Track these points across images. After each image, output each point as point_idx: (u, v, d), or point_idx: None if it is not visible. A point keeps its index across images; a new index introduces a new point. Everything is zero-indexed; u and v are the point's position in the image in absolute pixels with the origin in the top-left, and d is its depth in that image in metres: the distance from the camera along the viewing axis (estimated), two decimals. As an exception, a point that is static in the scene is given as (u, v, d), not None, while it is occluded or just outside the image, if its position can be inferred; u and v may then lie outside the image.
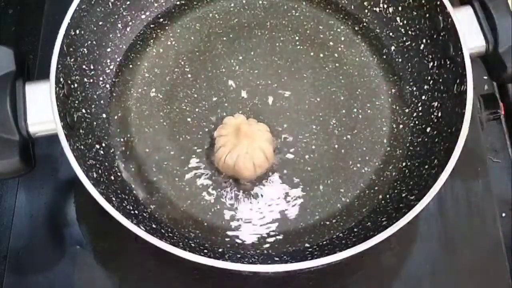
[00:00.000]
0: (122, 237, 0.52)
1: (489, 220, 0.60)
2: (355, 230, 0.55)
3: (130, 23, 0.64)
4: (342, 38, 0.65)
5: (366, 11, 0.65)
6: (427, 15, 0.59)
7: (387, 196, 0.57)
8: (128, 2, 0.63)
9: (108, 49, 0.62)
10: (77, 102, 0.56)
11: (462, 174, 0.61)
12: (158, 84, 0.62)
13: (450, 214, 0.60)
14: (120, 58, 0.63)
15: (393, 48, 0.63)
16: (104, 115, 0.60)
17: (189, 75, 0.63)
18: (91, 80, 0.59)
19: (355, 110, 0.61)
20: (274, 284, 0.57)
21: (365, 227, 0.54)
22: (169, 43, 0.65)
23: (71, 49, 0.55)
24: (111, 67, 0.62)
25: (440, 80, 0.58)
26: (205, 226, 0.56)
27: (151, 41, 0.64)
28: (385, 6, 0.64)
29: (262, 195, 0.57)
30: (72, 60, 0.56)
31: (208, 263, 0.46)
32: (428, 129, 0.58)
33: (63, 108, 0.52)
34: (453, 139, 0.51)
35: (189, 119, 0.60)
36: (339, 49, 0.64)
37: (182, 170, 0.58)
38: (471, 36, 0.55)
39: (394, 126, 0.60)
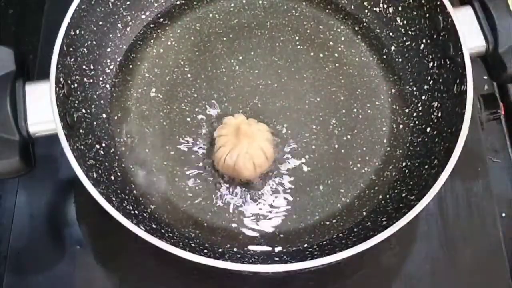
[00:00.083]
0: (122, 237, 0.52)
1: (489, 220, 0.60)
2: (355, 230, 0.55)
3: (130, 23, 0.64)
4: (342, 38, 0.65)
5: (366, 11, 0.65)
6: (427, 15, 0.59)
7: (387, 196, 0.57)
8: (128, 2, 0.63)
9: (108, 49, 0.62)
10: (77, 102, 0.56)
11: (462, 174, 0.61)
12: (158, 84, 0.62)
13: (450, 214, 0.60)
14: (120, 58, 0.63)
15: (393, 48, 0.63)
16: (104, 115, 0.60)
17: (189, 75, 0.63)
18: (91, 80, 0.59)
19: (355, 110, 0.61)
20: (274, 284, 0.57)
21: (365, 227, 0.54)
22: (169, 43, 0.65)
23: (71, 49, 0.55)
24: (111, 67, 0.62)
25: (440, 80, 0.58)
26: (205, 226, 0.56)
27: (151, 41, 0.65)
28: (385, 6, 0.64)
29: (262, 195, 0.57)
30: (72, 60, 0.56)
31: (208, 263, 0.46)
32: (428, 129, 0.58)
33: (63, 108, 0.52)
34: (453, 139, 0.51)
35: (189, 119, 0.60)
36: (339, 49, 0.64)
37: (182, 170, 0.58)
38: (471, 36, 0.55)
39: (394, 126, 0.60)
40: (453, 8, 0.55)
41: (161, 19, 0.66)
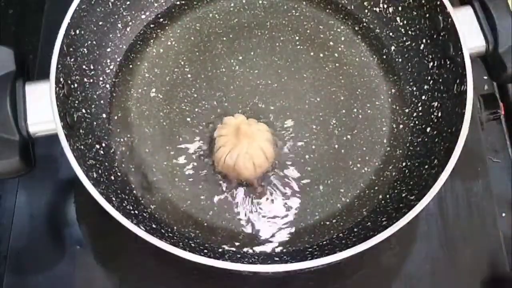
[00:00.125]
0: (122, 237, 0.52)
1: (489, 220, 0.60)
2: (355, 230, 0.55)
3: (130, 23, 0.64)
4: (342, 38, 0.65)
5: (366, 11, 0.65)
6: (427, 15, 0.59)
7: (387, 196, 0.57)
8: (128, 2, 0.63)
9: (108, 49, 0.62)
10: (77, 102, 0.56)
11: (462, 174, 0.61)
12: (158, 84, 0.62)
13: (450, 214, 0.60)
14: (120, 58, 0.63)
15: (393, 48, 0.63)
16: (104, 115, 0.60)
17: (189, 75, 0.63)
18: (91, 80, 0.59)
19: (355, 110, 0.61)
20: (274, 284, 0.57)
21: (365, 227, 0.54)
22: (169, 43, 0.65)
23: (71, 49, 0.55)
24: (111, 67, 0.62)
25: (440, 80, 0.58)
26: (205, 226, 0.56)
27: (151, 41, 0.65)
28: (385, 6, 0.64)
29: (261, 195, 0.57)
30: (72, 60, 0.56)
31: (208, 263, 0.46)
32: (428, 129, 0.58)
33: (63, 108, 0.52)
34: (453, 139, 0.51)
35: (189, 119, 0.60)
36: (339, 49, 0.64)
37: (182, 170, 0.58)
38: (471, 36, 0.55)
39: (394, 126, 0.60)
40: (453, 8, 0.55)
41: (161, 19, 0.66)
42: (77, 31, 0.57)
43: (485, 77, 0.67)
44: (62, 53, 0.53)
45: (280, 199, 0.57)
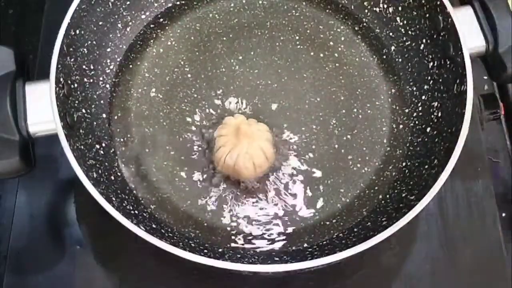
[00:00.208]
0: (122, 237, 0.52)
1: (489, 220, 0.60)
2: (355, 230, 0.55)
3: (130, 23, 0.64)
4: (342, 38, 0.65)
5: (366, 11, 0.65)
6: (427, 15, 0.59)
7: (387, 196, 0.57)
8: (128, 2, 0.63)
9: (108, 49, 0.62)
10: (77, 102, 0.56)
11: (462, 174, 0.61)
12: (158, 84, 0.62)
13: (450, 214, 0.60)
14: (120, 58, 0.63)
15: (393, 48, 0.63)
16: (104, 115, 0.60)
17: (189, 75, 0.63)
18: (91, 80, 0.59)
19: (355, 110, 0.61)
20: (274, 284, 0.57)
21: (365, 227, 0.54)
22: (169, 43, 0.65)
23: (71, 49, 0.55)
24: (111, 67, 0.62)
25: (440, 80, 0.58)
26: (205, 226, 0.56)
27: (151, 41, 0.65)
28: (385, 6, 0.64)
29: (262, 195, 0.57)
30: (72, 60, 0.56)
31: (208, 263, 0.46)
32: (428, 129, 0.58)
33: (63, 108, 0.52)
34: (453, 139, 0.51)
35: (189, 119, 0.60)
36: (339, 49, 0.64)
37: (182, 170, 0.58)
38: (471, 36, 0.55)
39: (394, 126, 0.60)
40: (453, 8, 0.55)
41: (161, 19, 0.66)
42: (77, 31, 0.57)
43: (485, 77, 0.67)
44: (62, 53, 0.53)
45: (280, 199, 0.57)
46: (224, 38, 0.65)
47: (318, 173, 0.58)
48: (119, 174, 0.57)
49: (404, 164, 0.58)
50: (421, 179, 0.54)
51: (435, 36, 0.58)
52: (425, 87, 0.60)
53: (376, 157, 0.59)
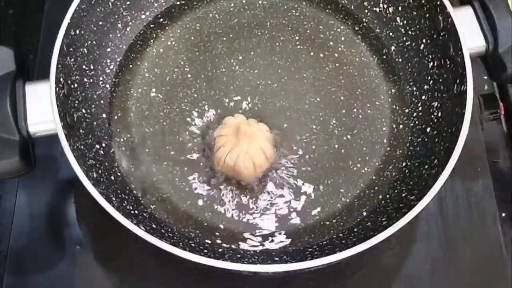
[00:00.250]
0: (122, 237, 0.52)
1: (489, 220, 0.60)
2: (355, 230, 0.55)
3: (130, 23, 0.64)
4: (342, 38, 0.65)
5: (366, 11, 0.65)
6: (427, 15, 0.59)
7: (387, 196, 0.57)
8: (128, 2, 0.63)
9: (108, 49, 0.62)
10: (77, 102, 0.56)
11: (462, 174, 0.61)
12: (158, 84, 0.62)
13: (450, 214, 0.60)
14: (120, 58, 0.63)
15: (393, 48, 0.63)
16: (104, 115, 0.60)
17: (189, 75, 0.63)
18: (91, 80, 0.59)
19: (355, 110, 0.61)
20: (274, 284, 0.57)
21: (365, 227, 0.54)
22: (169, 43, 0.65)
23: (71, 49, 0.55)
24: (111, 67, 0.62)
25: (440, 80, 0.58)
26: (205, 226, 0.56)
27: (151, 41, 0.65)
28: (385, 6, 0.64)
29: (261, 195, 0.57)
30: (72, 60, 0.56)
31: (208, 263, 0.46)
32: (428, 129, 0.58)
33: (63, 108, 0.52)
34: (453, 139, 0.51)
35: (189, 119, 0.60)
36: (339, 49, 0.64)
37: (182, 170, 0.58)
38: (471, 36, 0.55)
39: (394, 126, 0.60)
40: (453, 8, 0.55)
41: (161, 19, 0.66)
42: (77, 31, 0.57)
43: (485, 77, 0.67)
44: (62, 53, 0.53)
45: (280, 199, 0.57)
46: (224, 38, 0.65)
47: (318, 173, 0.58)
48: (119, 174, 0.57)
49: (404, 164, 0.58)
50: (421, 179, 0.54)
51: (435, 36, 0.58)
52: (425, 87, 0.60)
53: (376, 157, 0.59)
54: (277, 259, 0.53)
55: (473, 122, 0.61)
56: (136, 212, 0.54)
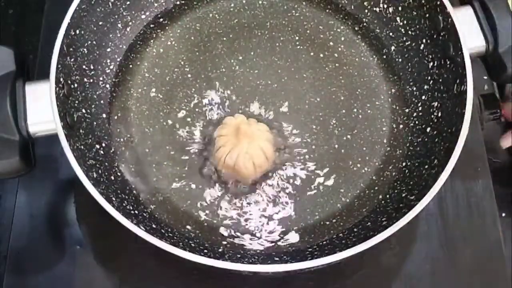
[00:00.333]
0: (122, 237, 0.52)
1: (489, 220, 0.60)
2: (355, 230, 0.55)
3: (130, 23, 0.64)
4: (342, 38, 0.65)
5: (366, 11, 0.65)
6: (427, 15, 0.59)
7: (387, 196, 0.57)
8: (128, 2, 0.63)
9: (108, 49, 0.62)
10: (77, 102, 0.56)
11: (462, 174, 0.61)
12: (158, 84, 0.62)
13: (450, 214, 0.60)
14: (120, 58, 0.63)
15: (393, 48, 0.63)
16: (104, 115, 0.60)
17: (189, 75, 0.63)
18: (91, 80, 0.59)
19: (355, 110, 0.61)
20: (274, 284, 0.57)
21: (365, 227, 0.54)
22: (169, 43, 0.65)
23: (71, 49, 0.55)
24: (111, 67, 0.62)
25: (440, 80, 0.58)
26: (205, 226, 0.56)
27: (151, 41, 0.65)
28: (385, 6, 0.64)
29: (261, 195, 0.57)
30: (72, 60, 0.56)
31: (208, 263, 0.46)
32: (428, 129, 0.58)
33: (63, 108, 0.52)
34: (453, 139, 0.51)
35: (189, 119, 0.60)
36: (339, 49, 0.64)
37: (182, 170, 0.58)
38: (471, 36, 0.55)
39: (394, 126, 0.60)
40: (453, 8, 0.55)
41: (161, 19, 0.66)
42: (77, 31, 0.57)
43: (485, 77, 0.67)
44: (62, 53, 0.53)
45: (280, 199, 0.57)
46: (224, 38, 0.65)
47: (318, 173, 0.58)
48: (119, 174, 0.57)
49: (404, 164, 0.58)
50: (421, 179, 0.54)
51: (435, 36, 0.58)
52: (425, 87, 0.60)
53: (376, 157, 0.59)
54: (277, 259, 0.53)
55: (473, 122, 0.61)
56: (136, 212, 0.54)
